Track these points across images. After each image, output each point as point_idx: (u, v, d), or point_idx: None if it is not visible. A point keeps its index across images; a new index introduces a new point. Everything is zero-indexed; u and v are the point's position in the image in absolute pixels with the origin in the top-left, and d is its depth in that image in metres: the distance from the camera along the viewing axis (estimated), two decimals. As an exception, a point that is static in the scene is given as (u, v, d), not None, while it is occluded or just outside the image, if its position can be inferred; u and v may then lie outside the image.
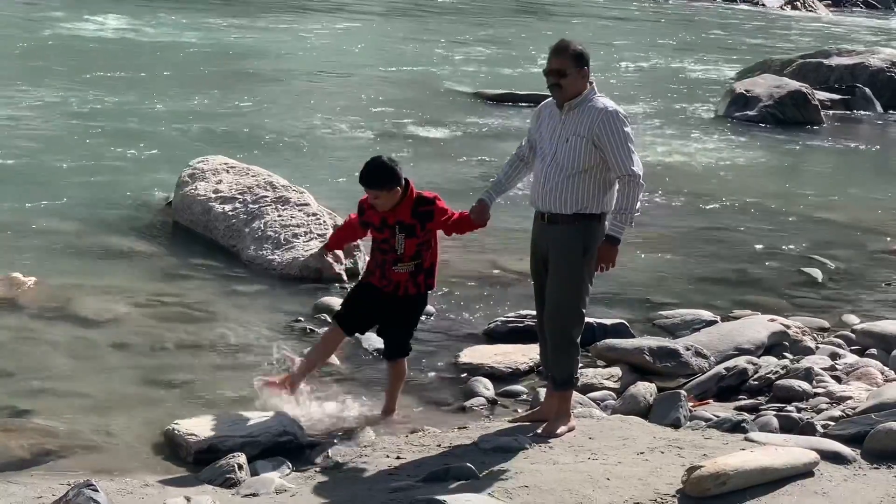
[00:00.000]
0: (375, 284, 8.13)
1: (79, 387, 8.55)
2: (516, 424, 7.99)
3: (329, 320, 10.06)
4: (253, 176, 12.81)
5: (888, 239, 14.15)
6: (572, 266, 7.66)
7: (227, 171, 12.95)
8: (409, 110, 20.63)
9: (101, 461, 7.45)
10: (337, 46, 27.71)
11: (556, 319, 7.76)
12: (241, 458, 7.26)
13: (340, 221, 12.06)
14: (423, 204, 7.98)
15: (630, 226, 7.68)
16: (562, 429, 7.75)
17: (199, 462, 7.38)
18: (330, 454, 7.56)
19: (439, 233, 8.18)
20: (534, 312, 10.11)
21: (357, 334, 8.77)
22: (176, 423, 7.80)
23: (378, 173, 7.88)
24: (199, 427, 7.72)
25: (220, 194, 12.49)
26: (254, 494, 6.85)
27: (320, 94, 21.89)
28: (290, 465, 7.43)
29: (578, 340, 7.89)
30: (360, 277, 8.37)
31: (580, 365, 8.12)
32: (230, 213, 12.24)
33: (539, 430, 7.75)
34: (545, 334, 7.92)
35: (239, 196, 12.43)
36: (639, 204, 7.68)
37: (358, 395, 8.71)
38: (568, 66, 7.62)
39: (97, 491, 5.87)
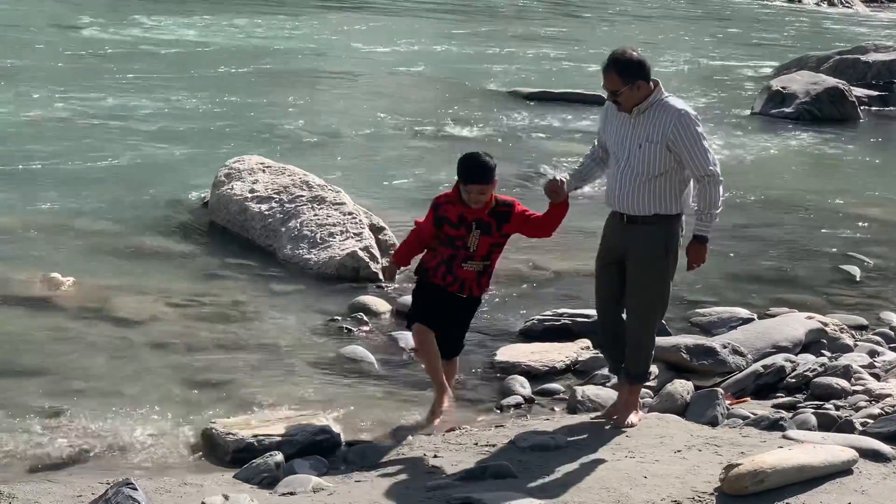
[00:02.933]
0: (439, 284, 7.97)
1: (117, 387, 8.59)
2: (556, 423, 7.99)
3: (364, 318, 10.12)
4: (289, 175, 12.83)
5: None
6: (656, 265, 7.66)
7: (263, 171, 12.99)
8: (444, 109, 20.63)
9: (139, 460, 7.51)
10: (371, 46, 27.74)
11: (640, 317, 7.77)
12: (279, 457, 7.28)
13: (377, 220, 12.09)
14: (502, 205, 7.85)
15: (715, 222, 7.69)
16: (633, 418, 7.83)
17: (237, 461, 7.41)
18: (367, 452, 7.57)
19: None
20: (571, 311, 10.16)
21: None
22: (213, 423, 7.84)
23: (488, 167, 7.70)
24: (236, 426, 7.75)
25: (256, 194, 12.53)
26: (291, 493, 6.86)
27: (355, 93, 21.92)
28: (328, 464, 7.44)
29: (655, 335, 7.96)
30: (417, 278, 8.16)
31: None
32: (266, 212, 12.27)
33: (613, 421, 7.79)
34: (614, 329, 7.90)
35: (275, 195, 12.46)
36: (720, 199, 7.65)
37: (396, 395, 8.74)
38: (617, 85, 7.54)
39: (136, 489, 5.90)
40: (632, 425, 7.77)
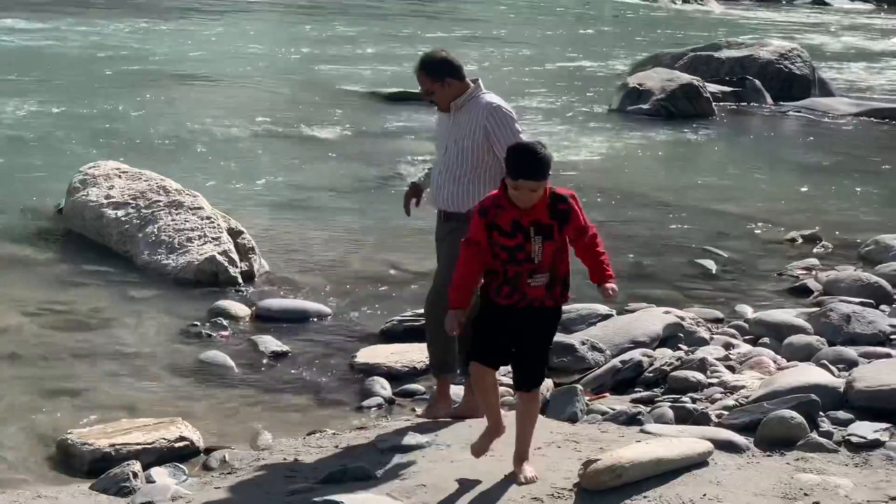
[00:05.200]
0: (502, 304, 6.80)
1: (-31, 399, 8.42)
2: (414, 423, 7.98)
3: (224, 323, 10.04)
4: (145, 180, 12.68)
5: (780, 229, 14.28)
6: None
7: (119, 176, 12.82)
8: (302, 111, 20.55)
9: (-8, 473, 7.36)
10: (227, 48, 27.54)
11: (436, 305, 7.69)
12: (136, 466, 7.19)
13: (235, 224, 11.98)
14: (560, 201, 6.67)
15: None
16: (441, 411, 7.91)
17: (94, 472, 7.29)
18: (227, 458, 7.51)
19: None
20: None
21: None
22: (70, 433, 7.71)
23: (544, 160, 6.52)
24: (93, 436, 7.64)
25: (112, 200, 12.35)
26: (149, 502, 6.78)
27: (212, 96, 21.75)
28: (187, 472, 7.37)
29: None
30: (482, 305, 6.93)
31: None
32: (123, 218, 12.11)
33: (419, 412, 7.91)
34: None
35: (132, 201, 12.29)
36: None
37: (256, 399, 8.68)
38: (427, 84, 7.81)
39: (-13, 504, 5.78)
40: (436, 417, 7.87)
